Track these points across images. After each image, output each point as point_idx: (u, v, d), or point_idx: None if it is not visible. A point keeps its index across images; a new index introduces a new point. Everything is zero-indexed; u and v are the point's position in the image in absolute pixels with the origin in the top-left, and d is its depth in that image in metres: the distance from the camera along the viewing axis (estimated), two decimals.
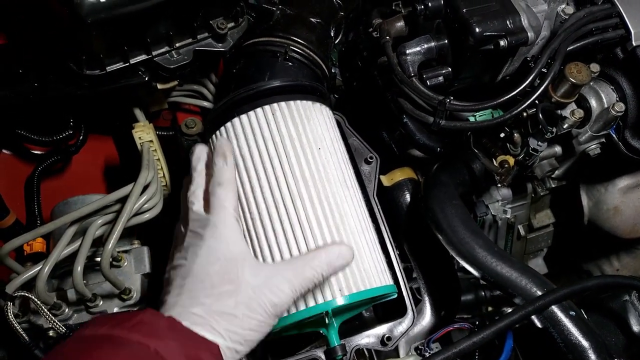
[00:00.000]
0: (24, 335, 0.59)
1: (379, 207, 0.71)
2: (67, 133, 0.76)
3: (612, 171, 0.84)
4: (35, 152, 0.80)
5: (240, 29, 0.70)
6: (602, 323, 0.72)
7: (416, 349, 0.72)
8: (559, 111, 0.72)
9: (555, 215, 0.98)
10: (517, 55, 0.69)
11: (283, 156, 0.61)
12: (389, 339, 0.66)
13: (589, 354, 0.60)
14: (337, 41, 0.83)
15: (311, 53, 0.71)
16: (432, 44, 0.70)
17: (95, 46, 0.61)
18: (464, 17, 0.65)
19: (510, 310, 0.83)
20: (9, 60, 0.67)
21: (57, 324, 0.59)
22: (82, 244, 0.60)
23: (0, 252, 0.59)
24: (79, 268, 0.59)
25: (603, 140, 0.76)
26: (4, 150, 0.79)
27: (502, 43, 0.64)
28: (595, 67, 0.69)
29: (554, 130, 0.70)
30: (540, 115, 0.68)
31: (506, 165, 0.75)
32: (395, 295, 0.65)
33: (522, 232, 0.96)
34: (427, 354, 0.69)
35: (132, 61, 0.64)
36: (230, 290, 0.48)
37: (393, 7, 0.80)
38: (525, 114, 0.70)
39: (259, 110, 0.63)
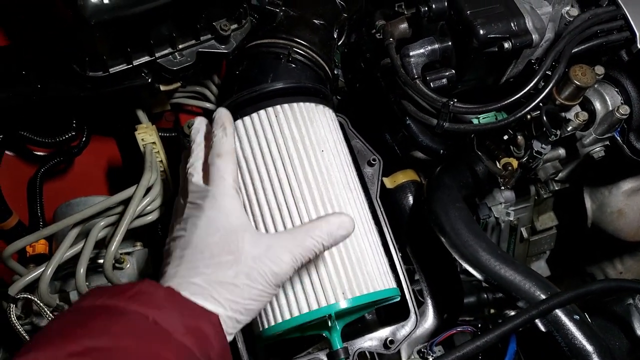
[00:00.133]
0: (26, 337, 0.59)
1: (382, 209, 0.71)
2: (69, 134, 0.76)
3: (616, 174, 0.83)
4: (38, 153, 0.80)
5: (243, 31, 0.70)
6: (606, 327, 0.71)
7: (419, 352, 0.72)
8: (563, 114, 0.71)
9: (558, 217, 0.98)
10: (521, 57, 0.69)
11: (286, 158, 0.61)
12: (391, 342, 0.66)
13: (593, 359, 0.60)
14: (340, 43, 0.83)
15: (314, 55, 0.71)
16: (436, 46, 0.70)
17: (99, 48, 0.61)
18: (468, 19, 0.65)
19: (513, 313, 0.84)
20: (12, 62, 0.67)
21: None
22: (84, 246, 0.60)
23: (3, 254, 0.59)
24: (81, 270, 0.59)
25: (607, 143, 0.76)
26: (6, 152, 0.79)
27: (506, 45, 0.64)
28: (599, 70, 0.68)
29: (558, 132, 0.70)
30: (544, 117, 0.68)
31: (510, 167, 0.75)
32: (398, 298, 0.65)
33: (525, 234, 0.96)
34: (430, 358, 0.69)
35: (135, 63, 0.64)
36: (230, 260, 0.48)
37: (396, 9, 0.79)
38: (529, 117, 0.69)
39: (262, 112, 0.63)
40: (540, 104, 0.67)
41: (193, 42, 0.67)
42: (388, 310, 0.71)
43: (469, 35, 0.65)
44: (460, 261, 0.69)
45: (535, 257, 1.02)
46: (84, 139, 0.78)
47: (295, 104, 0.64)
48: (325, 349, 0.65)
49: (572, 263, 1.04)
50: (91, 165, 0.84)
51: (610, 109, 0.72)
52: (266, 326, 0.59)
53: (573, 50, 0.67)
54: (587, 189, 0.88)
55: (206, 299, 0.46)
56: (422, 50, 0.70)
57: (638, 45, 0.69)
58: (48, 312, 0.58)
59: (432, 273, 0.83)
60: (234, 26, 0.69)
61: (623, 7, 0.69)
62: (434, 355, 0.70)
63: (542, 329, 0.63)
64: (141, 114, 0.74)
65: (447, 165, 0.80)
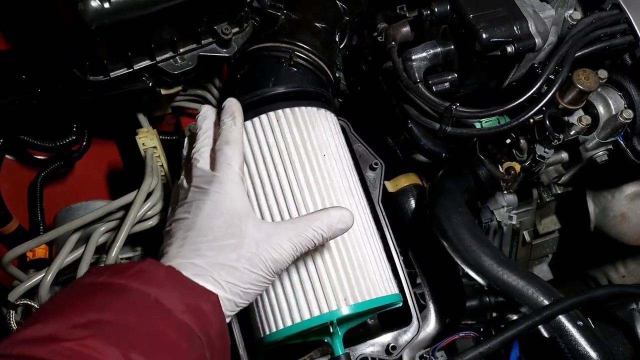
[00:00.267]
0: None
1: (384, 214, 0.70)
2: (70, 138, 0.75)
3: (619, 178, 0.83)
4: (39, 157, 0.79)
5: (245, 34, 0.70)
6: (609, 332, 0.71)
7: (421, 357, 0.71)
8: (566, 118, 0.71)
9: (560, 221, 0.97)
10: (524, 61, 0.68)
11: (288, 163, 0.61)
12: (393, 348, 0.66)
13: None
14: (341, 46, 0.83)
15: (316, 58, 0.70)
16: (438, 49, 0.70)
17: (99, 52, 0.60)
18: (471, 22, 0.65)
19: (515, 317, 0.84)
20: (12, 65, 0.66)
21: None
22: (85, 252, 0.60)
23: (3, 260, 0.59)
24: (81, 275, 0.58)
25: (610, 146, 0.75)
26: (7, 156, 0.78)
27: (509, 49, 0.64)
28: (603, 74, 0.68)
29: (561, 137, 0.69)
30: (547, 121, 0.67)
31: (512, 171, 0.74)
32: (401, 304, 0.65)
33: (527, 238, 0.95)
34: None
35: (136, 67, 0.64)
36: (233, 244, 0.48)
37: (397, 11, 0.79)
38: (531, 121, 0.69)
39: (263, 116, 0.63)
40: (543, 108, 0.67)
41: (194, 45, 0.67)
42: (390, 315, 0.70)
43: (472, 39, 0.65)
44: (463, 266, 0.69)
45: (537, 260, 1.02)
46: (84, 143, 0.78)
47: (296, 108, 0.64)
48: (327, 355, 0.65)
49: (574, 266, 1.03)
50: (92, 169, 0.84)
51: (614, 113, 0.72)
52: (267, 332, 0.59)
53: (576, 54, 0.67)
54: (589, 193, 0.87)
55: (207, 280, 0.47)
56: (424, 54, 0.69)
57: None
58: None
59: (434, 277, 0.82)
60: (236, 30, 0.68)
61: (626, 10, 0.69)
62: None
63: (545, 334, 0.63)
64: (142, 118, 0.73)
65: (449, 169, 0.79)
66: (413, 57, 0.69)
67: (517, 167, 0.75)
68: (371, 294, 0.58)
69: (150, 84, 0.66)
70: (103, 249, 0.63)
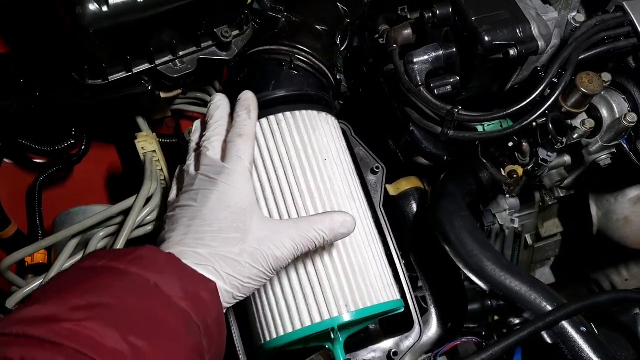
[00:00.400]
0: None
1: (386, 218, 0.70)
2: (69, 142, 0.75)
3: (622, 181, 0.82)
4: (37, 161, 0.79)
5: (245, 37, 0.69)
6: (612, 337, 0.70)
7: None
8: (569, 121, 0.70)
9: (563, 224, 0.97)
10: (526, 64, 0.68)
11: (288, 167, 0.60)
12: (395, 353, 0.65)
13: None
14: (342, 48, 0.82)
15: (317, 62, 0.70)
16: (440, 52, 0.69)
17: (98, 56, 0.60)
18: (473, 25, 0.64)
19: (517, 320, 0.83)
20: (10, 69, 0.66)
21: None
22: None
23: (0, 266, 0.58)
24: None
25: (614, 150, 0.75)
26: (5, 160, 0.78)
27: (511, 52, 0.63)
28: (606, 77, 0.67)
29: (564, 140, 0.69)
30: (550, 125, 0.67)
31: (515, 175, 0.74)
32: (402, 310, 0.64)
33: (529, 241, 0.95)
34: None
35: (135, 70, 0.63)
36: (237, 238, 0.49)
37: (399, 12, 0.78)
38: (534, 124, 0.68)
39: (263, 120, 0.63)
40: (547, 112, 0.66)
41: (194, 48, 0.66)
42: (391, 320, 0.70)
43: (474, 41, 0.64)
44: (465, 271, 0.68)
45: (539, 263, 1.01)
46: (83, 146, 0.77)
47: (297, 112, 0.64)
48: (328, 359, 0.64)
49: (576, 270, 1.03)
50: (91, 172, 0.83)
51: (617, 116, 0.71)
52: (268, 339, 0.58)
53: (579, 57, 0.66)
54: (592, 196, 0.87)
55: (208, 270, 0.47)
56: (426, 57, 0.69)
57: None
58: None
59: (436, 281, 0.82)
60: (236, 32, 0.68)
61: (630, 13, 0.68)
62: None
63: (549, 340, 0.62)
64: (141, 122, 0.73)
65: (451, 173, 0.79)
66: (415, 60, 0.69)
67: (520, 170, 0.74)
68: (373, 300, 0.58)
69: (150, 88, 0.66)
70: None
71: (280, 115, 0.63)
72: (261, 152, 0.61)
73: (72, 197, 0.80)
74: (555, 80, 0.66)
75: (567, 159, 0.79)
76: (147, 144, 0.67)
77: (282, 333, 0.57)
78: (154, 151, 0.68)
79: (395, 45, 0.71)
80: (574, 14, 0.69)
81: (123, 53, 0.61)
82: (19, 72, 0.65)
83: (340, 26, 0.77)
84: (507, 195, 0.84)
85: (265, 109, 0.63)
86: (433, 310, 0.80)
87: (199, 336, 0.43)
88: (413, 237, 0.82)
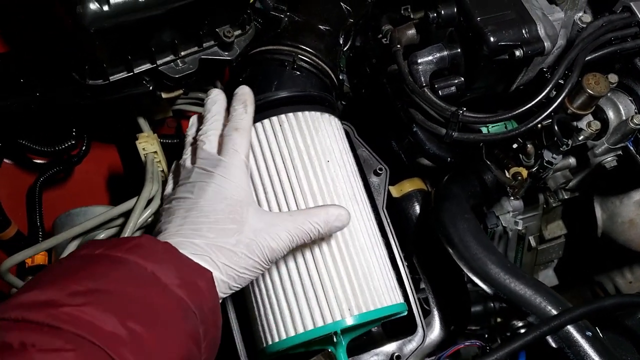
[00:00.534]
0: None
1: (389, 220, 0.69)
2: (69, 143, 0.74)
3: (627, 184, 0.82)
4: (38, 161, 0.78)
5: (247, 37, 0.68)
6: (617, 341, 0.70)
7: None
8: (574, 123, 0.70)
9: (566, 226, 0.96)
10: (532, 65, 0.67)
11: (291, 169, 0.60)
12: (398, 357, 0.65)
13: None
14: (345, 48, 0.81)
15: (320, 62, 0.69)
16: (445, 53, 0.68)
17: (99, 56, 0.59)
18: (478, 25, 0.63)
19: (520, 324, 0.82)
20: (10, 69, 0.65)
21: None
22: None
23: (0, 268, 0.58)
24: None
25: (620, 152, 0.74)
26: (5, 160, 0.77)
27: (517, 53, 0.62)
28: (613, 78, 0.67)
29: (569, 142, 0.68)
30: (556, 127, 0.66)
31: (519, 177, 0.73)
32: (406, 313, 0.63)
33: (532, 243, 0.94)
34: None
35: (136, 70, 0.62)
36: (233, 229, 0.49)
37: (402, 12, 0.78)
38: (539, 126, 0.67)
39: (266, 121, 0.62)
40: (552, 114, 0.65)
41: (195, 48, 0.65)
42: (394, 323, 0.69)
43: (479, 42, 0.63)
44: (469, 274, 0.67)
45: (543, 265, 1.00)
46: (84, 147, 0.77)
47: (300, 113, 0.63)
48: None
49: (580, 272, 1.02)
50: (92, 173, 0.83)
51: (624, 118, 0.70)
52: (270, 342, 0.58)
53: (586, 58, 0.66)
54: (597, 199, 0.86)
55: (204, 260, 0.47)
56: (430, 58, 0.68)
57: None
58: None
59: (439, 283, 0.81)
60: (238, 32, 0.67)
61: (638, 13, 0.67)
62: None
63: (553, 345, 0.62)
64: (142, 122, 0.72)
65: (455, 174, 0.78)
66: (419, 61, 0.68)
67: (524, 172, 0.73)
68: (376, 304, 0.57)
69: (151, 88, 0.65)
70: None
71: (282, 116, 0.62)
72: (263, 153, 0.60)
73: (72, 198, 0.79)
74: (561, 81, 0.65)
75: (572, 161, 0.78)
76: (148, 144, 0.67)
77: (284, 337, 0.56)
78: (155, 152, 0.67)
79: (399, 46, 0.70)
80: (580, 14, 0.68)
81: (124, 53, 0.60)
82: (19, 72, 0.64)
83: (343, 26, 0.76)
84: (511, 197, 0.83)
85: (268, 110, 0.62)
86: (436, 313, 0.79)
87: (195, 323, 0.43)
88: (416, 239, 0.82)
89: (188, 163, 0.55)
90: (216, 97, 0.59)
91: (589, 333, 0.60)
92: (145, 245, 0.45)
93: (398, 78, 0.70)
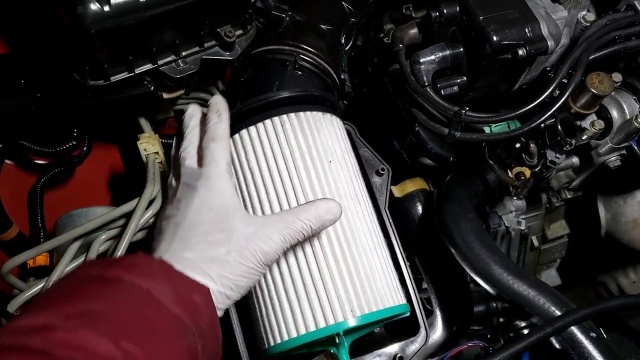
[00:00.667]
0: None
1: (391, 221, 0.69)
2: (70, 143, 0.74)
3: (631, 183, 0.81)
4: (39, 162, 0.78)
5: (249, 37, 0.68)
6: (621, 342, 0.69)
7: None
8: (578, 122, 0.69)
9: (569, 226, 0.95)
10: (535, 64, 0.67)
11: (292, 170, 0.59)
12: (401, 358, 0.65)
13: None
14: (347, 48, 0.81)
15: (321, 62, 0.69)
16: (447, 52, 0.68)
17: (100, 56, 0.59)
18: (481, 25, 0.63)
19: (523, 324, 0.82)
20: (10, 69, 0.65)
21: None
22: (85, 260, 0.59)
23: (2, 269, 0.58)
24: None
25: (624, 152, 0.73)
26: (6, 161, 0.77)
27: (520, 52, 0.62)
28: (617, 77, 0.66)
29: (573, 142, 0.67)
30: (559, 126, 0.65)
31: (522, 177, 0.73)
32: (408, 314, 0.63)
33: (535, 243, 0.94)
34: None
35: (137, 71, 0.62)
36: (222, 238, 0.49)
37: (403, 11, 0.77)
38: (542, 125, 0.67)
39: (267, 122, 0.62)
40: (555, 113, 0.65)
41: (197, 48, 0.65)
42: (397, 323, 0.69)
43: (482, 41, 0.63)
44: (472, 275, 0.67)
45: (545, 265, 1.00)
46: (85, 148, 0.76)
47: (301, 113, 0.62)
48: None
49: (583, 271, 1.02)
50: (93, 173, 0.83)
51: (628, 117, 0.70)
52: (272, 344, 0.57)
53: (590, 57, 0.65)
54: (601, 198, 0.86)
55: (197, 273, 0.47)
56: (432, 57, 0.68)
57: None
58: None
59: (441, 283, 0.81)
60: (239, 32, 0.67)
61: None
62: None
63: (557, 346, 0.61)
64: (144, 122, 0.72)
65: (457, 174, 0.78)
66: (421, 60, 0.68)
67: (527, 172, 0.73)
68: (378, 305, 0.57)
69: (152, 88, 0.65)
70: (104, 257, 0.62)
71: (284, 116, 0.62)
72: (265, 154, 0.60)
73: (74, 198, 0.79)
74: (564, 80, 0.65)
75: (575, 160, 0.78)
76: (149, 145, 0.66)
77: (286, 338, 0.56)
78: (157, 152, 0.67)
79: (401, 45, 0.70)
80: (584, 12, 0.68)
81: (125, 53, 0.60)
82: (19, 72, 0.64)
83: (345, 25, 0.76)
84: (514, 197, 0.83)
85: (269, 110, 0.62)
86: (438, 313, 0.79)
87: (192, 339, 0.43)
88: (418, 239, 0.82)
89: (173, 182, 0.56)
90: (192, 112, 0.59)
91: (593, 334, 0.60)
92: (140, 263, 0.45)
93: (400, 77, 0.70)
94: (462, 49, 0.67)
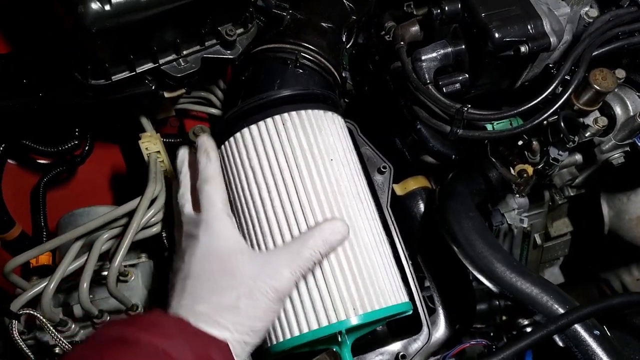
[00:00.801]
0: (28, 352, 0.58)
1: (393, 219, 0.69)
2: (72, 143, 0.75)
3: (635, 180, 0.81)
4: (41, 162, 0.78)
5: (250, 35, 0.68)
6: (625, 340, 0.69)
7: None
8: (581, 119, 0.69)
9: (572, 223, 0.95)
10: (537, 61, 0.66)
11: (294, 168, 0.59)
12: (403, 357, 0.64)
13: None
14: (348, 46, 0.81)
15: (322, 59, 0.68)
16: (449, 49, 0.68)
17: (101, 55, 0.59)
18: (483, 21, 0.63)
19: (526, 321, 0.82)
20: (12, 69, 0.65)
21: (62, 341, 0.58)
22: (88, 260, 0.59)
23: (4, 269, 0.58)
24: (85, 285, 0.58)
25: (627, 149, 0.73)
26: (9, 161, 0.77)
27: (522, 49, 0.62)
28: (620, 73, 0.66)
29: (576, 139, 0.67)
30: (562, 123, 0.65)
31: (525, 175, 0.72)
32: (411, 312, 0.63)
33: (538, 241, 0.93)
34: None
35: (139, 70, 0.62)
36: (230, 284, 0.48)
37: (404, 9, 0.77)
38: (545, 122, 0.67)
39: (268, 120, 0.61)
40: (558, 110, 0.65)
41: (198, 47, 0.65)
42: (399, 322, 0.69)
43: (484, 38, 0.63)
44: (475, 273, 0.67)
45: (548, 263, 1.00)
46: (87, 147, 0.77)
47: (303, 112, 0.62)
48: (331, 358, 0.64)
49: (586, 269, 1.01)
50: (95, 172, 0.83)
51: (632, 114, 0.69)
52: (274, 342, 0.57)
53: (593, 54, 0.65)
54: (604, 195, 0.85)
55: (212, 325, 0.46)
56: (434, 54, 0.67)
57: None
58: (51, 327, 0.57)
59: (444, 281, 0.81)
60: (240, 31, 0.67)
61: None
62: None
63: (560, 344, 0.61)
64: (145, 122, 0.72)
65: (459, 172, 0.77)
66: (423, 58, 0.67)
67: (530, 169, 0.73)
68: (381, 303, 0.57)
69: (153, 87, 0.65)
70: (106, 256, 0.62)
71: (285, 115, 0.61)
72: (266, 153, 0.60)
73: (76, 198, 0.79)
74: (567, 77, 0.64)
75: (578, 157, 0.77)
76: (151, 144, 0.66)
77: (289, 336, 0.56)
78: (158, 151, 0.67)
79: (402, 42, 0.70)
80: (586, 9, 0.67)
81: (126, 52, 0.60)
82: (21, 72, 0.64)
83: (346, 23, 0.76)
84: (517, 195, 0.82)
85: (270, 109, 0.62)
86: (441, 311, 0.79)
87: None
88: (420, 238, 0.81)
89: (176, 233, 0.56)
90: (182, 157, 0.59)
91: (597, 332, 0.60)
92: (157, 322, 0.45)
93: (401, 75, 0.69)
94: (463, 46, 0.67)
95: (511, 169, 0.74)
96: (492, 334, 0.87)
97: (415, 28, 0.72)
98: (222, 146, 0.62)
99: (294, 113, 0.62)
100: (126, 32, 0.57)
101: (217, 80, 0.82)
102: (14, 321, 0.56)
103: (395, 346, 0.65)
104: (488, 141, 0.74)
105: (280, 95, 0.62)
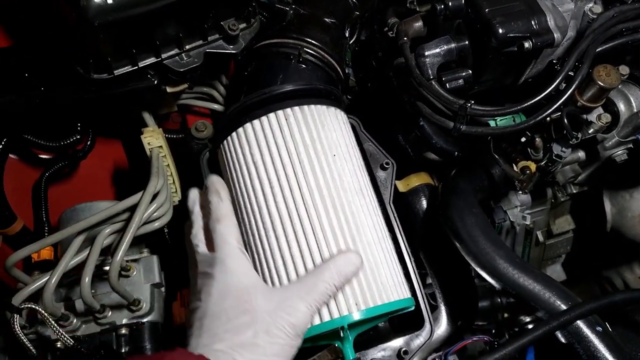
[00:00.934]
0: (30, 346, 0.58)
1: (395, 215, 0.69)
2: (74, 138, 0.74)
3: (638, 177, 0.80)
4: (43, 157, 0.78)
5: (252, 30, 0.68)
6: (627, 336, 0.69)
7: None
8: (584, 115, 0.69)
9: (575, 220, 0.95)
10: (541, 57, 0.66)
11: (297, 164, 0.59)
12: (405, 352, 0.64)
13: None
14: (351, 41, 0.81)
15: (325, 55, 0.68)
16: (452, 45, 0.67)
17: (103, 49, 0.59)
18: (487, 17, 0.62)
19: (528, 319, 0.82)
20: (13, 64, 0.65)
21: (64, 335, 0.58)
22: (90, 255, 0.59)
23: (6, 263, 0.58)
24: (86, 279, 0.57)
25: (630, 145, 0.73)
26: (11, 155, 0.77)
27: (526, 45, 0.61)
28: (624, 70, 0.65)
29: (579, 135, 0.67)
30: (565, 120, 0.65)
31: (527, 171, 0.72)
32: (413, 308, 0.63)
33: (540, 238, 0.93)
34: None
35: (141, 64, 0.62)
36: (247, 321, 0.49)
37: (408, 5, 0.77)
38: (548, 119, 0.67)
39: (271, 115, 0.61)
40: (561, 106, 0.64)
41: (200, 42, 0.65)
42: (401, 317, 0.69)
43: (488, 34, 0.62)
44: (477, 269, 0.67)
45: (550, 260, 0.99)
46: (89, 142, 0.77)
47: (306, 107, 0.62)
48: (336, 357, 0.63)
49: (588, 267, 1.01)
50: (97, 167, 0.83)
51: (635, 110, 0.69)
52: None
53: (597, 50, 0.64)
54: (607, 193, 0.85)
55: None
56: (437, 50, 0.67)
57: None
58: (52, 321, 0.57)
59: (446, 278, 0.81)
60: (243, 25, 0.66)
61: None
62: None
63: (563, 340, 0.61)
64: (147, 117, 0.72)
65: (462, 169, 0.77)
66: (426, 53, 0.67)
67: (533, 166, 0.73)
68: (383, 299, 0.57)
69: (156, 82, 0.65)
70: (108, 251, 0.62)
71: (288, 110, 0.61)
72: (269, 148, 0.60)
73: (77, 192, 0.79)
74: (571, 73, 0.64)
75: (581, 154, 0.77)
76: (153, 139, 0.66)
77: None
78: (161, 146, 0.67)
79: (405, 38, 0.69)
80: (590, 5, 0.67)
81: (128, 47, 0.60)
82: (21, 67, 0.64)
83: (349, 19, 0.75)
84: (519, 192, 0.82)
85: (273, 104, 0.61)
86: (443, 308, 0.79)
87: None
88: (423, 234, 0.81)
89: (191, 272, 0.56)
90: (194, 197, 0.59)
91: (599, 328, 0.60)
92: None
93: (405, 71, 0.69)
94: (467, 42, 0.66)
95: (514, 165, 0.74)
96: (494, 331, 0.87)
97: (419, 24, 0.71)
98: (225, 141, 0.62)
99: (296, 108, 0.62)
100: (129, 26, 0.57)
101: (220, 76, 0.82)
102: (15, 315, 0.56)
103: (398, 342, 0.65)
104: (491, 138, 0.74)
105: (283, 90, 0.62)
